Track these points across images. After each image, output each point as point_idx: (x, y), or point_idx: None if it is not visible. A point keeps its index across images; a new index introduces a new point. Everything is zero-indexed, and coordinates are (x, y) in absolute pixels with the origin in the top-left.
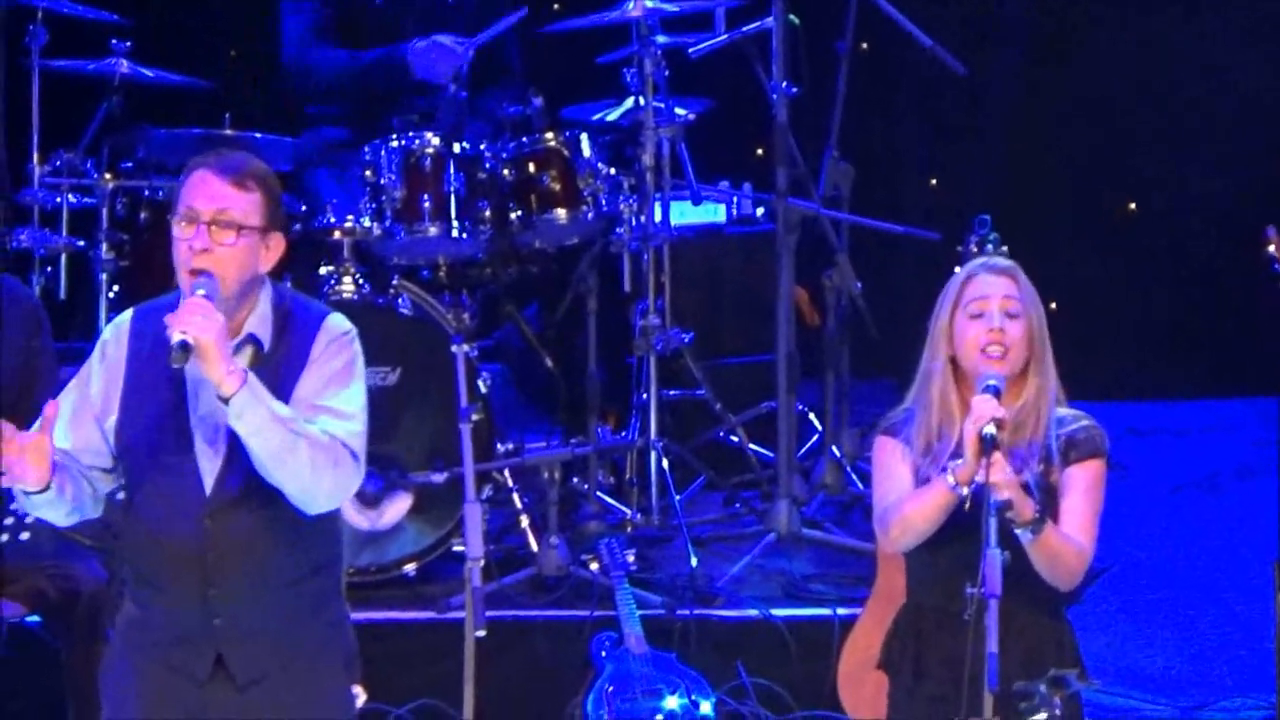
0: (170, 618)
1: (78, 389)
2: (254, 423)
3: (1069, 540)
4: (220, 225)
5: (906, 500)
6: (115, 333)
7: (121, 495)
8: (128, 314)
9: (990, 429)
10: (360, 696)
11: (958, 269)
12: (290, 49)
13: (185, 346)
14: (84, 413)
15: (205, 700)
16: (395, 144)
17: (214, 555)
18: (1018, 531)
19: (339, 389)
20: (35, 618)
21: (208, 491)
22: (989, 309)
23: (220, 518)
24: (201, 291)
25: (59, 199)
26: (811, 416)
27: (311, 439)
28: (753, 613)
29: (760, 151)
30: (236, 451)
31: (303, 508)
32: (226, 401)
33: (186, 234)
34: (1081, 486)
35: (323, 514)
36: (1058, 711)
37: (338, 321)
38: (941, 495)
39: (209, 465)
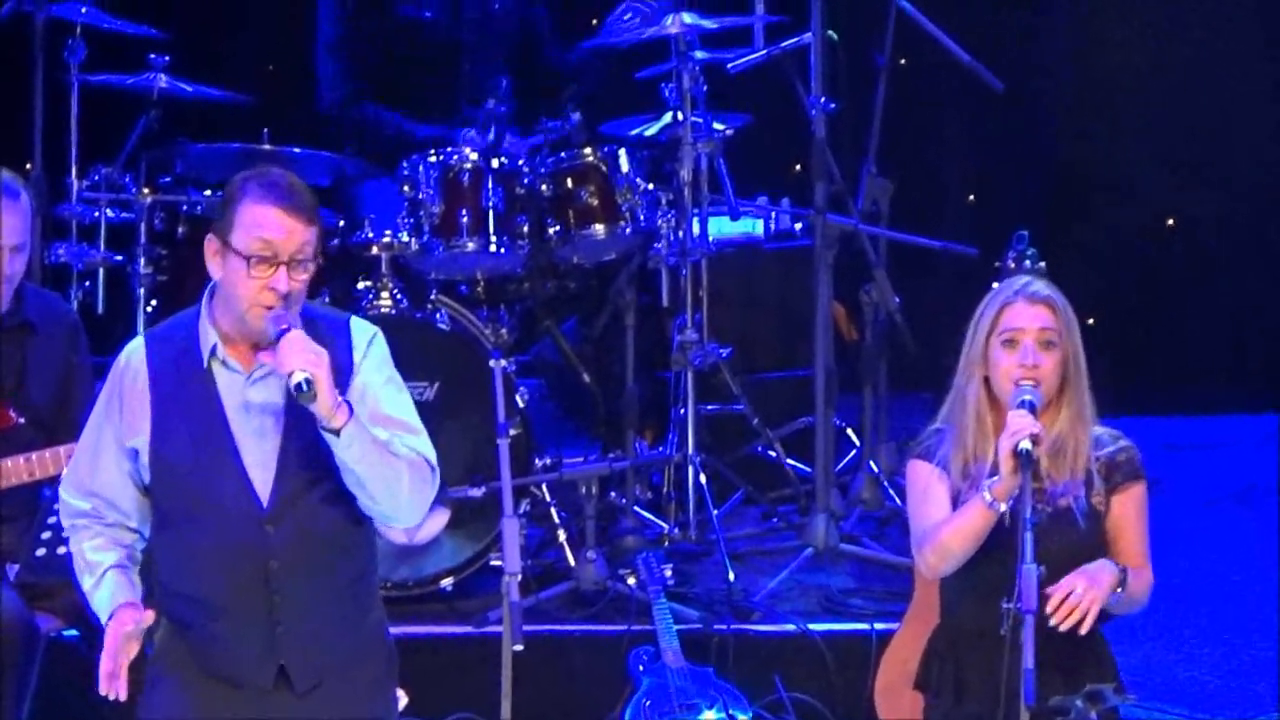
0: (231, 633)
1: (105, 427)
2: (361, 451)
3: (1140, 576)
4: (298, 265)
5: (943, 524)
6: (131, 359)
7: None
8: (139, 341)
9: (1026, 444)
10: (402, 699)
11: (995, 285)
12: (331, 95)
13: (310, 384)
14: (109, 451)
15: (263, 710)
16: (434, 159)
17: (277, 562)
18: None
19: (397, 394)
20: (73, 631)
21: (265, 500)
22: (1024, 341)
23: (281, 523)
24: (299, 328)
25: (97, 213)
26: (849, 431)
27: (408, 460)
28: (790, 627)
29: (798, 167)
30: (288, 457)
31: (387, 523)
32: (336, 434)
33: (263, 275)
34: (1132, 516)
35: (365, 516)
36: None
37: (363, 323)
38: (979, 515)
39: (261, 475)
